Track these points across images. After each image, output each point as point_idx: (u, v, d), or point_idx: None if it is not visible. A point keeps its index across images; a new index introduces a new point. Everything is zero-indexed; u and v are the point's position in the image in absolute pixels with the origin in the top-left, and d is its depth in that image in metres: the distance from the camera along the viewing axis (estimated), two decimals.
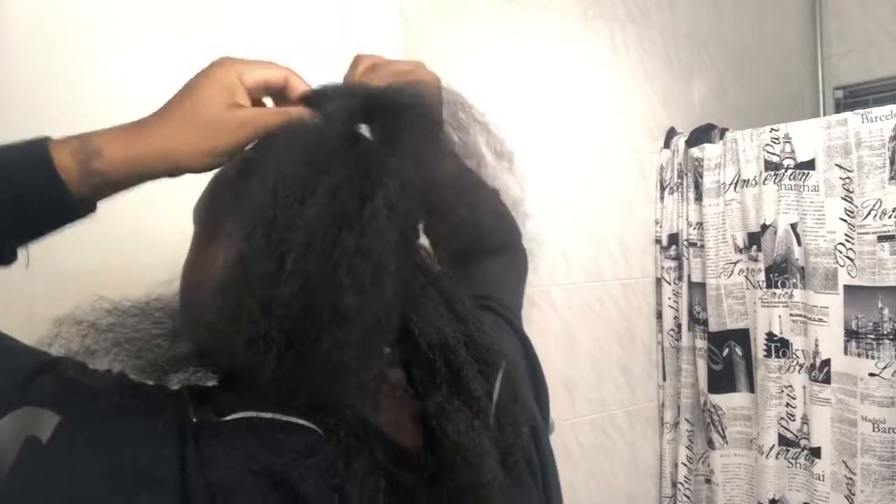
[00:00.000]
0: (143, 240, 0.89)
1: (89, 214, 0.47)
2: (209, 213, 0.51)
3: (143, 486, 0.37)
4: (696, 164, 1.64)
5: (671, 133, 1.75)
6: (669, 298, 1.72)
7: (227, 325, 0.42)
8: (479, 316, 0.54)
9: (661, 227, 1.75)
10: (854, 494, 1.38)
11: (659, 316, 1.76)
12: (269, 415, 0.41)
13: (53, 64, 0.94)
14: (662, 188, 1.75)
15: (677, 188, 1.70)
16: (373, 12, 1.18)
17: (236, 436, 0.40)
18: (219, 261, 0.46)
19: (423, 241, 0.57)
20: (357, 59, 0.59)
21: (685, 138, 1.69)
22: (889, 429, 1.34)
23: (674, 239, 1.71)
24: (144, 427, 0.40)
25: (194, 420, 0.40)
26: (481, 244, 0.69)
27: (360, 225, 0.42)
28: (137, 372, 0.46)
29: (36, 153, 0.44)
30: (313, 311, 0.41)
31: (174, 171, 0.48)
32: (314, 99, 0.50)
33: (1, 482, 0.36)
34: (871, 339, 1.36)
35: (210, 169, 0.49)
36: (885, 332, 1.35)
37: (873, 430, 1.35)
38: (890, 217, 1.33)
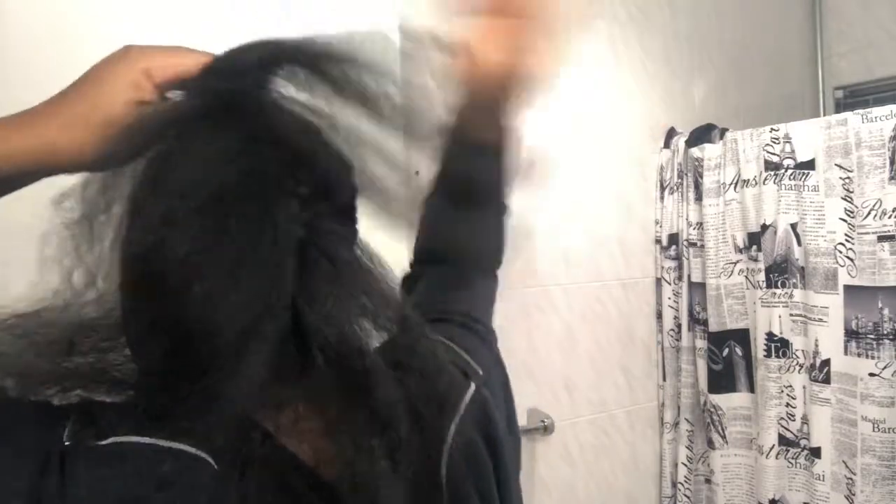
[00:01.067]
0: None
1: None
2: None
3: None
4: (696, 164, 1.64)
5: (671, 133, 1.75)
6: (669, 298, 1.72)
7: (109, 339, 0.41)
8: (421, 326, 0.48)
9: (661, 227, 1.75)
10: (854, 494, 1.38)
11: (659, 316, 1.76)
12: (149, 439, 0.37)
13: (55, 61, 0.94)
14: (662, 188, 1.75)
15: (677, 188, 1.70)
16: (372, 14, 1.18)
17: (109, 463, 0.36)
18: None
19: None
20: None
21: (685, 138, 1.69)
22: (889, 429, 1.34)
23: (674, 239, 1.71)
24: None
25: (67, 443, 0.36)
26: (478, 263, 0.66)
27: (230, 226, 0.39)
28: (18, 389, 0.42)
29: None
30: (182, 322, 0.38)
31: (61, 170, 0.43)
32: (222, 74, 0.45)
33: None
34: (871, 339, 1.36)
35: (104, 169, 0.44)
36: (885, 332, 1.34)
37: (873, 430, 1.35)
38: (890, 217, 1.33)
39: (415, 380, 0.45)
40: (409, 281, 0.65)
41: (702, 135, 1.65)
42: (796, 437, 1.49)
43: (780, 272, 1.49)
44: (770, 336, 1.50)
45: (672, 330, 1.72)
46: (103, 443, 0.37)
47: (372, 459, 0.41)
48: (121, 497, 0.36)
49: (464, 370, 0.52)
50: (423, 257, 0.67)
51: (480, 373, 0.53)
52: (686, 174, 1.67)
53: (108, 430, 0.38)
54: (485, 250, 0.67)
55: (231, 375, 0.38)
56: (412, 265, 0.67)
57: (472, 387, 0.51)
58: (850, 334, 1.39)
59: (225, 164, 0.40)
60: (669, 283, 1.72)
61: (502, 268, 0.71)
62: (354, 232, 0.47)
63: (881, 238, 1.34)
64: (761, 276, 1.52)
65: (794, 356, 1.48)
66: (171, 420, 0.38)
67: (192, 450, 0.38)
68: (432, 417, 0.45)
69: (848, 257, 1.39)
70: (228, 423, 0.38)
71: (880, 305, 1.35)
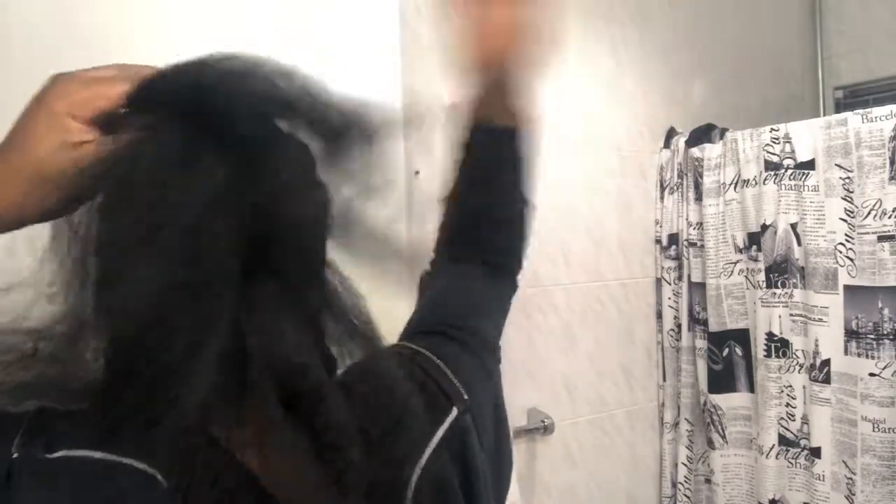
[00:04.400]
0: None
1: None
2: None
3: None
4: (696, 164, 1.64)
5: (671, 133, 1.75)
6: (669, 298, 1.72)
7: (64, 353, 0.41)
8: (379, 343, 0.48)
9: (661, 227, 1.75)
10: (854, 494, 1.38)
11: (659, 316, 1.76)
12: (99, 454, 0.37)
13: (59, 57, 0.94)
14: (662, 188, 1.75)
15: (677, 188, 1.70)
16: (372, 12, 1.18)
17: (55, 478, 0.36)
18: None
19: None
20: None
21: (685, 138, 1.69)
22: (889, 429, 1.34)
23: (674, 239, 1.71)
24: None
25: (15, 455, 0.36)
26: (495, 257, 0.64)
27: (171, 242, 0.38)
28: None
29: None
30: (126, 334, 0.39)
31: (24, 225, 0.42)
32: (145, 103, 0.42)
33: None
34: (871, 339, 1.36)
35: (49, 220, 0.43)
36: (885, 332, 1.35)
37: (873, 430, 1.35)
38: (890, 217, 1.33)
39: (371, 404, 0.44)
40: (428, 276, 0.64)
41: (702, 135, 1.65)
42: (796, 437, 1.49)
43: (780, 272, 1.49)
44: (770, 336, 1.50)
45: (672, 330, 1.72)
46: (53, 456, 0.37)
47: (315, 481, 0.41)
48: None
49: (446, 392, 0.50)
50: (443, 249, 0.66)
51: (465, 396, 0.50)
52: (686, 174, 1.67)
53: (60, 442, 0.37)
54: (502, 243, 0.64)
55: (177, 392, 0.38)
56: (432, 261, 0.66)
57: (454, 413, 0.49)
58: (850, 334, 1.39)
59: (170, 208, 0.39)
60: (669, 283, 1.72)
61: (521, 273, 0.69)
62: (314, 260, 0.46)
63: (881, 238, 1.34)
64: (761, 276, 1.52)
65: (794, 356, 1.48)
66: (122, 434, 0.38)
67: (143, 466, 0.37)
68: (393, 444, 0.44)
69: (848, 257, 1.39)
70: (180, 438, 0.38)
71: (880, 305, 1.35)
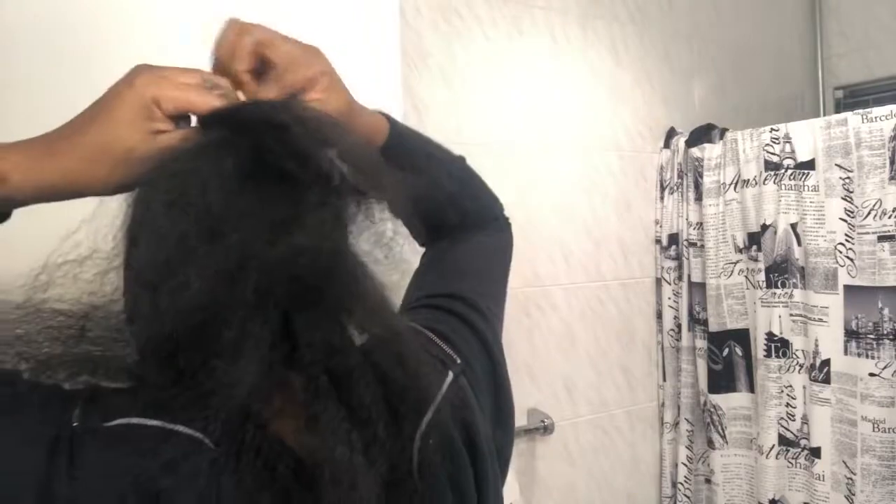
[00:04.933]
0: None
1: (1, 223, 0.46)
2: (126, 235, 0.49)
3: None
4: (696, 164, 1.64)
5: (671, 133, 1.75)
6: (669, 298, 1.72)
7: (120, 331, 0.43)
8: (398, 323, 0.50)
9: (661, 227, 1.75)
10: (854, 494, 1.38)
11: (659, 316, 1.76)
12: (154, 422, 0.40)
13: (59, 57, 0.94)
14: (662, 188, 1.75)
15: (677, 188, 1.70)
16: (373, 12, 1.18)
17: (115, 444, 0.39)
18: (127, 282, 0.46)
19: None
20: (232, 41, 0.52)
21: (685, 138, 1.69)
22: (889, 429, 1.34)
23: (674, 239, 1.71)
24: (7, 435, 0.38)
25: (75, 424, 0.39)
26: (447, 218, 0.66)
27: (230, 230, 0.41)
28: (29, 372, 0.44)
29: None
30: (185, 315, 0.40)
31: (82, 196, 0.46)
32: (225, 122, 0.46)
33: None
34: (871, 339, 1.36)
35: (125, 192, 0.46)
36: (885, 332, 1.35)
37: (873, 430, 1.35)
38: (890, 217, 1.33)
39: (395, 381, 0.47)
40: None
41: (702, 135, 1.65)
42: (796, 437, 1.49)
43: (780, 272, 1.49)
44: (770, 336, 1.50)
45: (672, 330, 1.72)
46: (110, 424, 0.39)
47: (350, 454, 0.43)
48: (126, 475, 0.38)
49: (441, 359, 0.53)
50: (422, 240, 0.69)
51: (458, 361, 0.53)
52: (686, 174, 1.67)
53: (115, 412, 0.40)
54: (455, 209, 0.67)
55: (229, 367, 0.40)
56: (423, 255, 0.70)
57: (450, 376, 0.51)
58: (850, 334, 1.39)
59: (232, 196, 0.42)
60: (669, 283, 1.72)
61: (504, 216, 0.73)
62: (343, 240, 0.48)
63: (881, 238, 1.34)
64: (761, 276, 1.52)
65: (794, 356, 1.48)
66: (174, 405, 0.40)
67: (194, 432, 0.40)
68: (409, 415, 0.47)
69: (848, 257, 1.39)
70: (227, 409, 0.40)
71: (880, 305, 1.35)
